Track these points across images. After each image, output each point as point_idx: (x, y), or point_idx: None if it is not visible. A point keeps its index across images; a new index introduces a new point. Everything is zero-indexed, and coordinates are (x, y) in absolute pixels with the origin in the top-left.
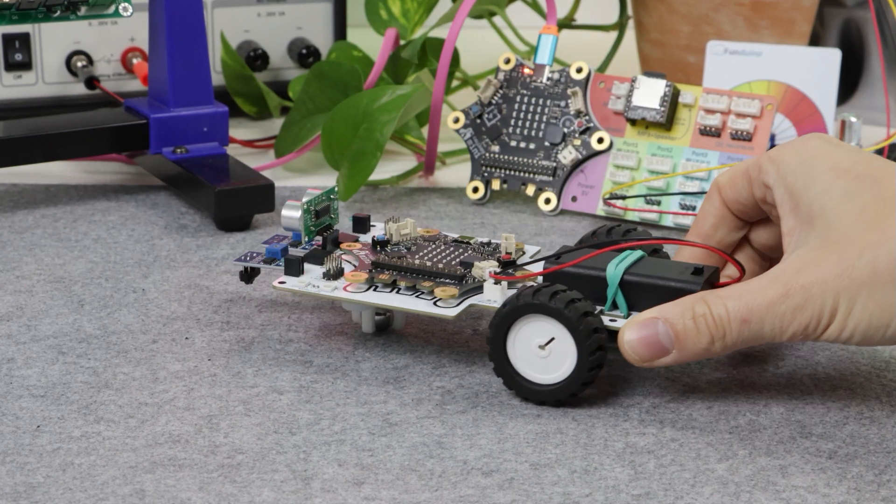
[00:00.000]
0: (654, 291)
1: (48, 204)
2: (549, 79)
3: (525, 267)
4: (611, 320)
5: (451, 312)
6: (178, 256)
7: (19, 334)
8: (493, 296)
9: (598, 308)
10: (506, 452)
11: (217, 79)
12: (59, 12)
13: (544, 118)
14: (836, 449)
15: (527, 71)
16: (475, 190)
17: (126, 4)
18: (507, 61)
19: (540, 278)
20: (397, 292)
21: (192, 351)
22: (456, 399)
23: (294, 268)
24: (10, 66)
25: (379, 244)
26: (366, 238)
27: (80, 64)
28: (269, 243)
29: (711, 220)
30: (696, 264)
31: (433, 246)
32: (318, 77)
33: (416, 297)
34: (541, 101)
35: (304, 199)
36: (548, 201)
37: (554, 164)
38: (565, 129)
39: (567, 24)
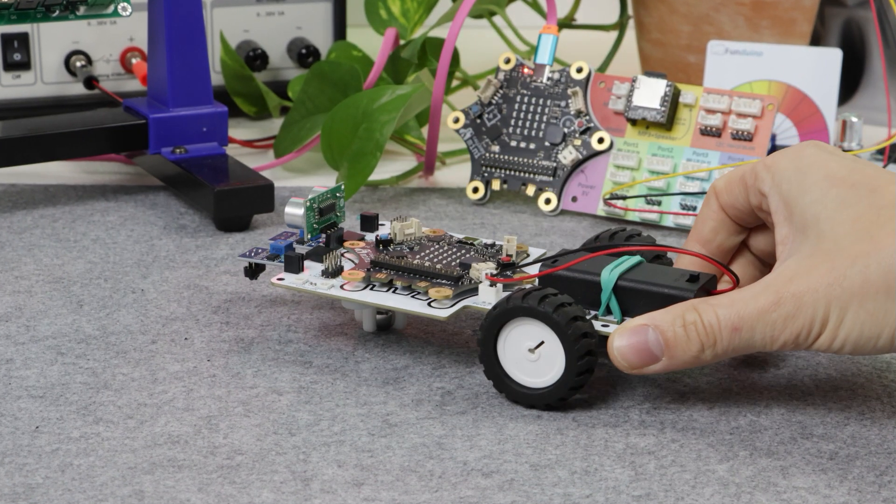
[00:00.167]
0: (649, 298)
1: (47, 204)
2: (549, 79)
3: (522, 269)
4: (603, 325)
5: (444, 313)
6: (178, 257)
7: (18, 335)
8: (488, 298)
9: (592, 313)
10: (506, 453)
11: (216, 79)
12: (57, 12)
13: (544, 118)
14: (837, 450)
15: (527, 71)
16: (475, 190)
17: (125, 4)
18: (508, 61)
19: (536, 281)
20: (394, 292)
21: (191, 351)
22: (456, 400)
23: (294, 264)
24: (9, 66)
25: (382, 243)
26: (371, 237)
27: (78, 64)
28: (276, 239)
29: (711, 224)
30: (692, 271)
31: (436, 246)
32: (317, 77)
33: (412, 297)
34: (541, 101)
35: (309, 197)
36: (548, 201)
37: (554, 165)
38: (565, 129)
39: (567, 23)
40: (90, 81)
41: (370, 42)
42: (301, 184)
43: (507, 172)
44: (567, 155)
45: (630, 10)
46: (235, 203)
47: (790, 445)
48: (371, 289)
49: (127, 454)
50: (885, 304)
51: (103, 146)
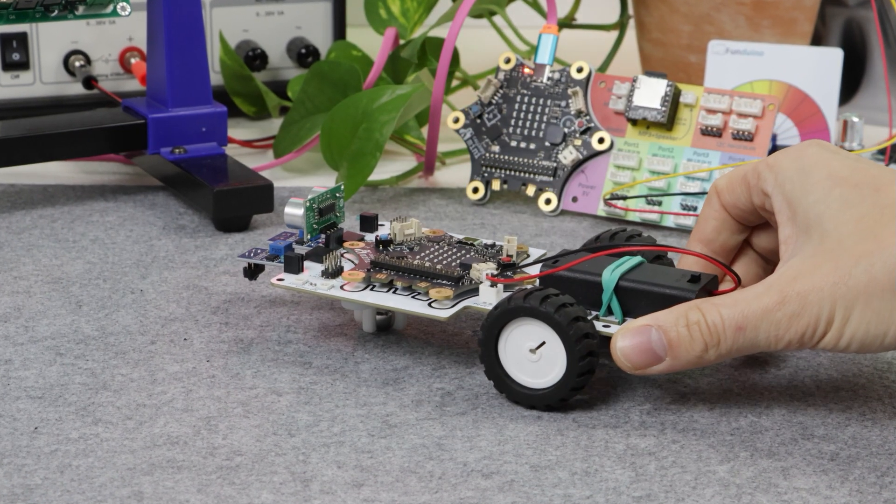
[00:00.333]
0: (650, 298)
1: (46, 204)
2: (549, 78)
3: (522, 270)
4: (604, 326)
5: (444, 314)
6: (177, 257)
7: (17, 335)
8: (489, 298)
9: (594, 313)
10: (506, 454)
11: (216, 79)
12: (56, 12)
13: (545, 118)
14: (838, 451)
15: (527, 70)
16: (475, 190)
17: (124, 4)
18: (508, 61)
19: (536, 281)
20: (394, 292)
21: (190, 352)
22: (456, 400)
23: (293, 265)
24: (8, 66)
25: (382, 243)
26: (371, 237)
27: (77, 64)
28: (275, 240)
29: (713, 223)
30: (694, 272)
31: (436, 247)
32: (317, 77)
33: (412, 297)
34: (541, 101)
35: (309, 197)
36: (548, 202)
37: (554, 165)
38: (566, 129)
39: (567, 23)
40: (89, 81)
41: (370, 42)
42: (300, 184)
43: (508, 172)
44: (567, 155)
45: (630, 10)
46: (235, 203)
47: (791, 446)
48: (371, 289)
49: (126, 455)
50: (891, 302)
51: (102, 146)
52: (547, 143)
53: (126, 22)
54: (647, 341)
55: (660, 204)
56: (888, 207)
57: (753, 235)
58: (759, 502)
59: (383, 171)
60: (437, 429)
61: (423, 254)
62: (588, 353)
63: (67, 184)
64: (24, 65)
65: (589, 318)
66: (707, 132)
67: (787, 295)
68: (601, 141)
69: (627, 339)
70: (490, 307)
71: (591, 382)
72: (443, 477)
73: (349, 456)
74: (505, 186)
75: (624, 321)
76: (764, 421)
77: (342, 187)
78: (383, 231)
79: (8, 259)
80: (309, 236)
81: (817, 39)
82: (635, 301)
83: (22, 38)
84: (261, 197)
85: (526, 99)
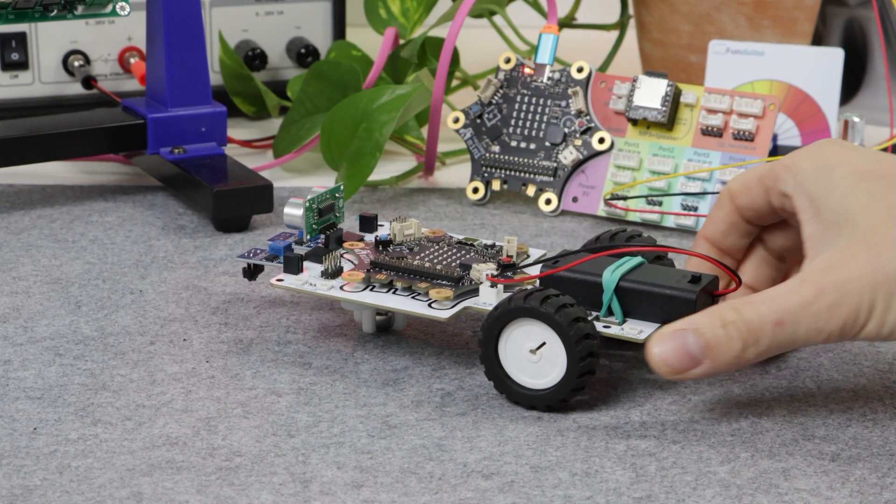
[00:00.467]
0: (650, 298)
1: (45, 204)
2: (549, 78)
3: (523, 270)
4: (605, 327)
5: (445, 314)
6: (176, 257)
7: (16, 336)
8: (489, 298)
9: (594, 314)
10: (506, 455)
11: (215, 78)
12: (55, 11)
13: (545, 118)
14: (838, 451)
15: (527, 70)
16: (475, 190)
17: (123, 3)
18: (508, 61)
19: (537, 282)
20: (394, 293)
21: (189, 352)
22: (456, 401)
23: (293, 265)
24: (7, 66)
25: (381, 244)
26: (371, 237)
27: (76, 63)
28: (275, 240)
29: (722, 226)
30: (694, 272)
31: (436, 247)
32: (316, 77)
33: (412, 298)
34: (541, 101)
35: (308, 197)
36: (548, 202)
37: (554, 165)
38: (566, 129)
39: (568, 23)
40: (88, 81)
41: (370, 42)
42: (300, 184)
43: (508, 173)
44: (567, 155)
45: (631, 10)
46: (234, 203)
47: (792, 447)
48: (371, 290)
49: (125, 456)
50: None
51: (101, 146)
52: (547, 143)
53: (125, 22)
54: (683, 345)
55: (660, 204)
56: None
57: (766, 236)
58: (759, 503)
59: (383, 172)
60: (437, 429)
61: (422, 254)
62: (588, 354)
63: (66, 184)
64: (23, 65)
65: (589, 318)
66: (708, 132)
67: (824, 286)
68: (601, 141)
69: (664, 344)
70: (490, 308)
71: (591, 383)
72: (443, 478)
73: (349, 457)
74: (505, 186)
75: (624, 322)
76: (764, 421)
77: (342, 187)
78: (383, 231)
79: (7, 259)
80: (308, 237)
81: (818, 39)
82: (636, 302)
83: (21, 38)
84: (260, 197)
85: (526, 99)
